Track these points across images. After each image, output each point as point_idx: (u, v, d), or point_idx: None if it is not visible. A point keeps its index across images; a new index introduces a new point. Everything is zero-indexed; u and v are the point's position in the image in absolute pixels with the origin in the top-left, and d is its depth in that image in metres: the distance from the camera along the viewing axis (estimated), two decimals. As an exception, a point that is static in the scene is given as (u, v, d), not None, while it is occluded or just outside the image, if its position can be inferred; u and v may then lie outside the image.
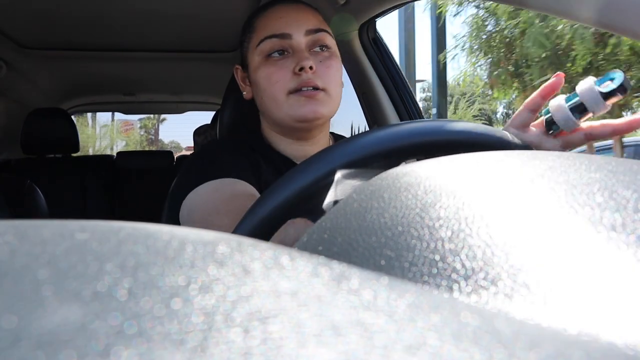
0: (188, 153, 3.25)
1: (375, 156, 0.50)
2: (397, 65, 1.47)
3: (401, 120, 1.41)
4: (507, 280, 0.16)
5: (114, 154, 2.70)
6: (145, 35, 1.95)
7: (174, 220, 1.07)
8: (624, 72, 0.56)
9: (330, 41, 0.82)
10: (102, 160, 2.61)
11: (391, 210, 0.22)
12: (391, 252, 0.19)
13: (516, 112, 0.65)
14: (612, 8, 0.55)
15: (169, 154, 2.79)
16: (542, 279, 0.16)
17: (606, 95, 0.56)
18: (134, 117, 20.67)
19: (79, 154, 2.47)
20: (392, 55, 1.48)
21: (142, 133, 24.23)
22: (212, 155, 0.80)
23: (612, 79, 0.56)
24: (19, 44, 1.94)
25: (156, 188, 2.04)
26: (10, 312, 0.10)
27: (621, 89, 0.55)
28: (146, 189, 2.42)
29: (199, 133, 2.09)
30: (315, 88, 0.76)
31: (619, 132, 0.59)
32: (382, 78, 1.44)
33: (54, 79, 2.49)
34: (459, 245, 0.18)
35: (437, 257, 0.18)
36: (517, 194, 0.21)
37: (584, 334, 0.14)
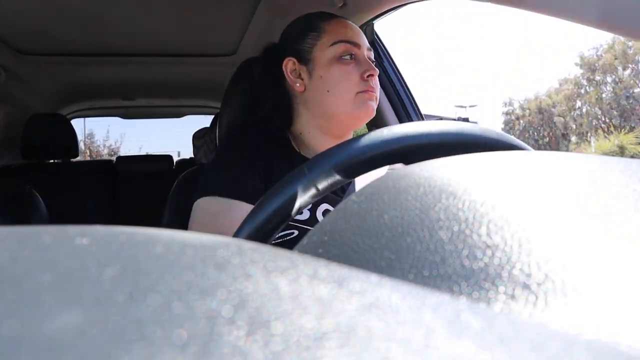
0: (187, 157, 3.26)
1: (380, 157, 0.50)
2: (396, 67, 1.47)
3: (400, 123, 1.41)
4: (508, 281, 0.16)
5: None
6: (143, 40, 1.95)
7: (174, 224, 1.08)
8: None
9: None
10: (101, 164, 2.61)
11: (391, 211, 0.22)
12: (391, 254, 0.19)
13: None
14: (612, 9, 0.55)
15: (169, 158, 2.79)
16: (544, 279, 0.16)
17: None
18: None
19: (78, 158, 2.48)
20: (391, 58, 1.48)
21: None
22: (229, 164, 0.88)
23: None
24: (17, 50, 1.94)
25: (156, 192, 2.04)
26: (11, 317, 0.10)
27: None
28: (146, 193, 2.42)
29: (198, 137, 2.10)
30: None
31: None
32: (380, 80, 1.43)
33: (53, 84, 2.49)
34: (459, 246, 0.18)
35: (438, 259, 0.18)
36: (516, 195, 0.21)
37: (586, 335, 0.14)
